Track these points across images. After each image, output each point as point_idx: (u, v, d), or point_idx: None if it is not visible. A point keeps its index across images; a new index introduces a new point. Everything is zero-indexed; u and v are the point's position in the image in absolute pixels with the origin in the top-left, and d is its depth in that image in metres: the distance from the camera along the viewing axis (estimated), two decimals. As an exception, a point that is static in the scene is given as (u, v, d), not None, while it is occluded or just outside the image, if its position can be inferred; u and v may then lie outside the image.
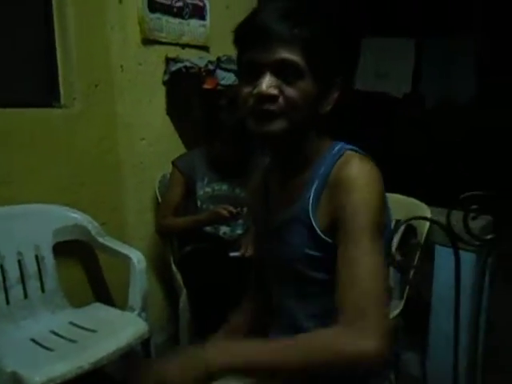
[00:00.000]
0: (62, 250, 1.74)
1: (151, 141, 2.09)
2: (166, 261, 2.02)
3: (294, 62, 0.77)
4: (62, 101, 1.81)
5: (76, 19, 1.77)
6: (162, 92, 2.11)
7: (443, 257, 1.62)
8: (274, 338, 0.95)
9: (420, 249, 1.57)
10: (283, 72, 0.77)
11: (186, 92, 2.14)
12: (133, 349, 1.53)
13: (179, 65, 2.03)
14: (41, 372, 1.27)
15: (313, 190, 0.83)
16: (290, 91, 0.78)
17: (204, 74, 2.04)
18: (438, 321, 1.71)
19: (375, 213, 0.76)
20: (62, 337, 1.54)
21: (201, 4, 2.19)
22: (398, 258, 1.24)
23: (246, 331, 1.03)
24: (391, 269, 1.35)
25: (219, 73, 2.08)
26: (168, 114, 2.15)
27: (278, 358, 0.70)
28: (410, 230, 1.64)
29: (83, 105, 1.82)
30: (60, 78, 1.80)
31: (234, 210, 1.77)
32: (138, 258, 1.66)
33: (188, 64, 2.03)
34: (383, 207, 0.80)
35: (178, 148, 2.17)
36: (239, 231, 1.96)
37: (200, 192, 1.93)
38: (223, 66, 2.09)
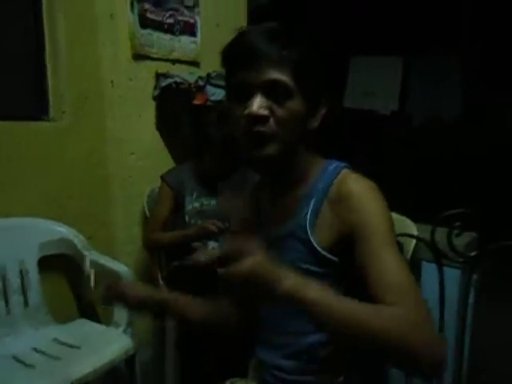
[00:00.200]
0: (48, 264, 1.71)
1: (140, 155, 2.09)
2: (154, 276, 2.00)
3: (284, 82, 0.78)
4: (51, 114, 1.81)
5: (67, 34, 1.78)
6: (151, 107, 2.12)
7: (429, 273, 1.63)
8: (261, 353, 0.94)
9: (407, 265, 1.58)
10: (273, 93, 0.79)
11: (175, 107, 2.15)
12: (117, 366, 1.51)
13: (169, 80, 2.05)
14: (22, 390, 1.25)
15: (310, 207, 0.84)
16: (280, 112, 0.79)
17: (194, 89, 2.06)
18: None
19: (391, 222, 0.79)
20: (44, 354, 1.50)
21: (192, 21, 2.23)
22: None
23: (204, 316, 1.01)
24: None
25: (209, 89, 2.10)
26: (158, 128, 2.16)
27: (349, 314, 0.66)
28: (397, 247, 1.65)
29: (72, 118, 1.82)
30: (49, 92, 1.80)
31: (223, 225, 1.77)
32: (124, 273, 1.64)
33: (178, 79, 2.05)
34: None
35: (167, 163, 2.17)
36: (227, 246, 1.95)
37: (188, 207, 1.93)
38: (213, 81, 2.11)
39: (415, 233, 1.61)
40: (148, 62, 2.06)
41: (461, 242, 1.29)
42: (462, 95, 3.94)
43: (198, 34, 2.26)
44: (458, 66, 3.89)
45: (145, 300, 0.95)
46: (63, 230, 1.74)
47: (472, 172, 3.43)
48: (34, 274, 1.66)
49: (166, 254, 1.99)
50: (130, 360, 1.57)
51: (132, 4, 1.95)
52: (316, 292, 0.67)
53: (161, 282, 1.94)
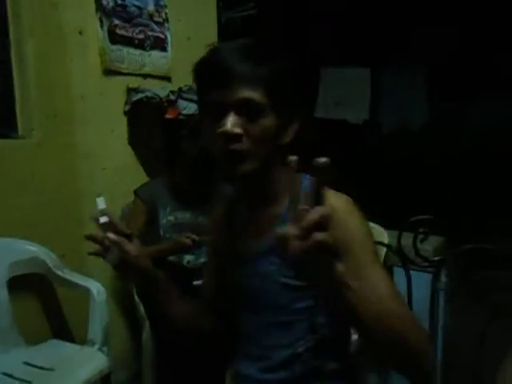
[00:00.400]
0: (18, 284, 1.67)
1: (113, 170, 2.07)
2: (129, 292, 1.97)
3: (257, 100, 0.79)
4: (20, 131, 1.78)
5: (35, 50, 1.76)
6: (123, 122, 2.11)
7: (402, 278, 1.68)
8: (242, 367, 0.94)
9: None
10: (246, 110, 0.79)
11: (147, 122, 2.15)
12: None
13: (140, 95, 2.05)
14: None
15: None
16: (253, 129, 0.80)
17: (166, 104, 2.07)
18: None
19: (371, 235, 0.81)
20: (15, 378, 1.46)
21: (162, 36, 2.24)
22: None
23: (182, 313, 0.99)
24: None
25: (181, 103, 2.11)
26: (130, 143, 2.15)
27: (377, 310, 0.66)
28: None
29: (42, 135, 1.80)
30: (17, 109, 1.78)
31: (197, 238, 1.76)
32: (97, 290, 1.62)
33: (149, 94, 2.05)
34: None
35: (140, 177, 2.16)
36: (203, 259, 1.95)
37: (163, 221, 1.92)
38: (185, 95, 2.12)
39: (386, 239, 1.65)
40: (119, 78, 2.06)
41: (429, 246, 1.34)
42: (428, 104, 4.07)
43: (169, 48, 2.27)
44: (424, 75, 4.02)
45: (147, 265, 0.92)
46: (34, 249, 1.70)
47: (438, 178, 3.54)
48: (3, 295, 1.61)
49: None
50: (105, 379, 1.54)
51: (101, 20, 1.96)
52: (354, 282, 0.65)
53: (136, 297, 1.91)
